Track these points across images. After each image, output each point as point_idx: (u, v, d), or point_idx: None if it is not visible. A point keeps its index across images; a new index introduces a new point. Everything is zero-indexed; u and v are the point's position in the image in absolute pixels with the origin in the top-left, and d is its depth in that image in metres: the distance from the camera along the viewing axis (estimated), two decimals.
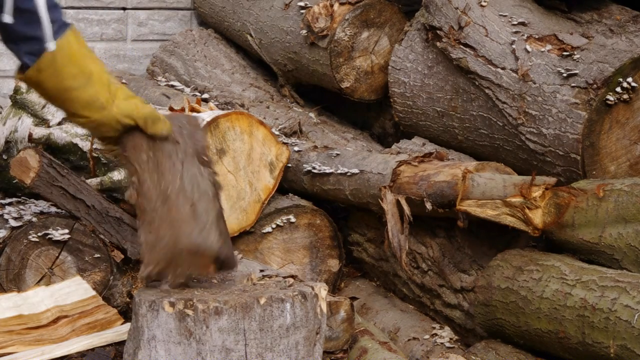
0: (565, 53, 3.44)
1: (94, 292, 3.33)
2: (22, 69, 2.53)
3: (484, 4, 3.70)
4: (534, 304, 3.00)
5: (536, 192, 3.10)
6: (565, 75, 3.37)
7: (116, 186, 3.76)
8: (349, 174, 3.72)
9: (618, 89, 3.26)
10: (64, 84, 2.54)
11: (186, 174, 2.65)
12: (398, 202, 3.43)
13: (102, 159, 3.84)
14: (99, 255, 3.50)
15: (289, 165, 3.90)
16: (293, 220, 3.83)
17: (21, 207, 3.57)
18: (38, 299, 3.18)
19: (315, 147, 3.99)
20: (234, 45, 5.00)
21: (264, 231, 3.80)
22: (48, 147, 3.87)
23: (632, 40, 3.48)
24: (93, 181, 3.77)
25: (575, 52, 3.42)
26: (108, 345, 2.97)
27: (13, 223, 3.44)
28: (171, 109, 3.84)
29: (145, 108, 2.65)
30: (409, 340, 3.51)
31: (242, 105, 4.38)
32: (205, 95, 4.51)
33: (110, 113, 2.59)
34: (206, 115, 3.71)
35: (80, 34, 2.58)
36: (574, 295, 2.88)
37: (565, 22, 3.69)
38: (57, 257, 3.45)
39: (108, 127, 2.62)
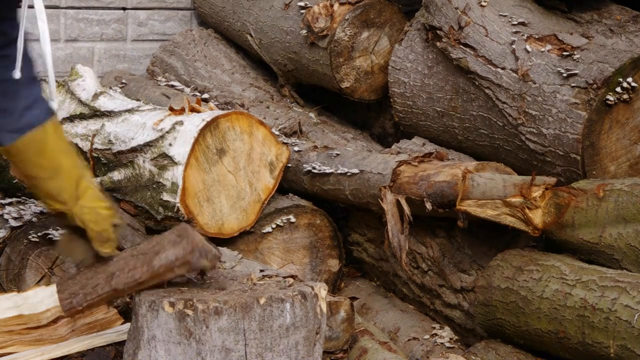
0: (565, 53, 3.44)
1: None
2: None
3: (484, 4, 3.70)
4: (534, 304, 2.99)
5: (536, 192, 3.10)
6: (565, 75, 3.37)
7: (116, 186, 3.76)
8: (349, 174, 3.72)
9: (618, 89, 3.26)
10: (31, 172, 2.57)
11: None
12: (398, 202, 3.42)
13: (102, 159, 3.84)
14: None
15: (289, 165, 3.90)
16: (293, 220, 3.83)
17: (21, 207, 3.57)
18: (38, 299, 3.18)
19: (315, 147, 3.99)
20: (234, 45, 5.00)
21: (264, 231, 3.79)
22: None
23: (632, 40, 3.48)
24: None
25: (575, 52, 3.42)
26: (108, 345, 2.97)
27: (13, 223, 3.44)
28: (171, 109, 3.85)
29: (103, 223, 2.62)
30: (409, 340, 3.51)
31: (242, 105, 4.38)
32: (205, 95, 4.51)
33: (70, 210, 2.60)
34: (206, 115, 3.71)
35: (59, 125, 2.56)
36: (574, 295, 2.88)
37: (565, 22, 3.69)
38: (57, 257, 3.45)
39: (65, 214, 2.63)
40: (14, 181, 3.72)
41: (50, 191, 2.56)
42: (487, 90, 3.59)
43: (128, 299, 3.52)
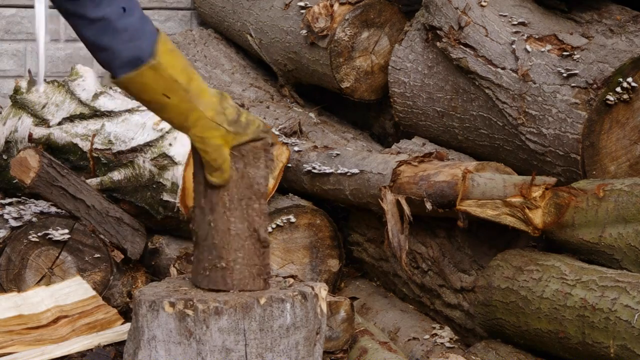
0: (565, 53, 3.44)
1: (94, 292, 3.33)
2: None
3: (484, 4, 3.70)
4: (534, 304, 3.00)
5: (536, 192, 3.10)
6: (565, 75, 3.37)
7: (116, 186, 3.76)
8: (349, 174, 3.72)
9: (618, 89, 3.26)
10: (141, 102, 2.64)
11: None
12: (398, 202, 3.42)
13: (102, 159, 3.84)
14: (99, 255, 3.50)
15: (289, 165, 3.90)
16: (293, 220, 3.83)
17: (21, 207, 3.57)
18: (38, 299, 3.19)
19: (315, 147, 3.99)
20: (234, 45, 5.00)
21: None
22: (48, 147, 3.87)
23: (632, 40, 3.48)
24: (93, 181, 3.77)
25: (575, 52, 3.42)
26: (108, 345, 2.97)
27: (13, 223, 3.44)
28: None
29: (213, 154, 2.60)
30: (409, 340, 3.51)
31: (242, 105, 4.38)
32: None
33: (188, 136, 2.63)
34: None
35: (162, 60, 2.54)
36: (574, 295, 2.88)
37: (565, 22, 3.69)
38: (57, 257, 3.46)
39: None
40: (14, 181, 3.72)
41: (165, 119, 2.61)
42: (487, 90, 3.59)
43: (129, 299, 3.54)
